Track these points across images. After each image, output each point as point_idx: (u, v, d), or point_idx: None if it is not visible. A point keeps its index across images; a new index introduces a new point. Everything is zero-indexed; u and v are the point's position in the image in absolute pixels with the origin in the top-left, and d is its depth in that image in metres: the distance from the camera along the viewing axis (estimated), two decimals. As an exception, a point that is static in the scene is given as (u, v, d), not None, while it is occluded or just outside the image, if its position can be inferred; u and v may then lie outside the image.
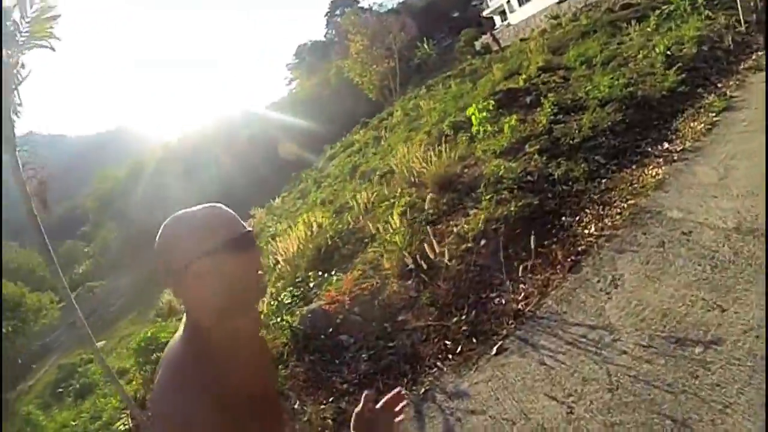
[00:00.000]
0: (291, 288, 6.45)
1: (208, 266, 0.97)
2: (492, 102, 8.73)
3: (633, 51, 9.71)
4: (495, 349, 3.61)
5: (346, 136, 25.48)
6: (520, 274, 4.19)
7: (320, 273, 6.42)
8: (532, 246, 4.23)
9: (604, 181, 5.41)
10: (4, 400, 17.53)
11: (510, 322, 3.81)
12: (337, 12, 56.53)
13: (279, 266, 7.68)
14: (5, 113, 5.40)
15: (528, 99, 9.10)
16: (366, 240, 6.69)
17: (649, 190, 4.80)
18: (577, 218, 4.78)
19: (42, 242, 5.94)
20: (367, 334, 4.60)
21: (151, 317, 18.45)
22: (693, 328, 2.87)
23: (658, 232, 4.01)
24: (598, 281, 3.74)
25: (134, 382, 8.76)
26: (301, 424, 3.83)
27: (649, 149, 5.86)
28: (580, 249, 4.25)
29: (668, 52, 8.35)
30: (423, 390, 3.63)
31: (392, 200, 7.26)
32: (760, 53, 7.67)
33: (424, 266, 4.64)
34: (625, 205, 4.70)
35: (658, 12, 11.37)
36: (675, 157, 5.41)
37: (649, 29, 10.80)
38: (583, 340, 3.23)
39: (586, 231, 4.49)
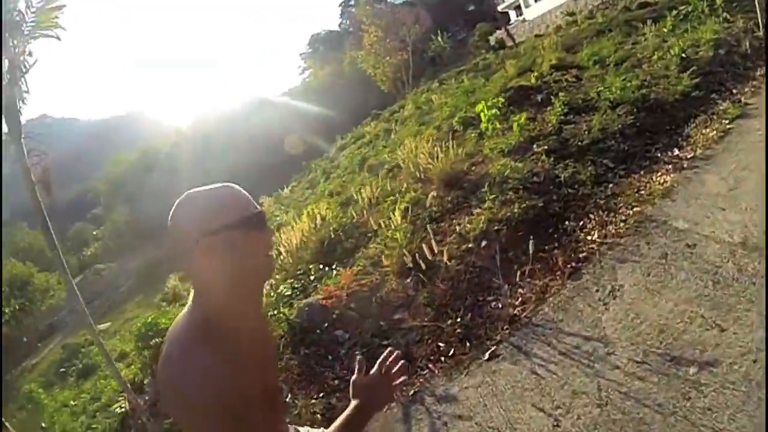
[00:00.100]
0: (292, 280, 6.44)
1: (219, 242, 1.00)
2: (502, 99, 8.62)
3: (648, 52, 9.52)
4: (487, 354, 3.57)
5: (358, 127, 25.38)
6: (518, 279, 4.13)
7: (321, 266, 6.39)
8: (531, 251, 4.14)
9: (610, 185, 5.31)
10: (5, 381, 17.79)
11: (505, 327, 3.76)
12: (352, 2, 56.16)
13: (282, 257, 7.67)
14: (10, 105, 5.44)
15: (539, 97, 8.97)
16: (369, 235, 6.65)
17: (656, 198, 4.70)
18: (581, 223, 4.70)
19: (45, 227, 5.97)
20: (362, 330, 4.59)
21: (157, 301, 18.61)
22: (689, 347, 2.80)
23: (662, 243, 3.93)
24: (597, 290, 3.67)
25: (133, 366, 8.84)
26: (291, 417, 3.83)
27: (659, 155, 5.74)
28: (581, 256, 4.18)
29: (683, 55, 8.18)
30: (413, 391, 3.61)
31: (397, 195, 7.21)
32: (778, 59, 7.49)
33: (424, 265, 4.59)
34: (631, 213, 4.61)
35: (675, 12, 11.12)
36: (685, 165, 5.29)
37: (665, 30, 10.57)
38: (577, 351, 3.17)
39: (589, 237, 4.41)
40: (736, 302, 2.98)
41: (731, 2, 10.35)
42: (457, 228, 5.29)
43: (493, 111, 7.70)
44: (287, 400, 4.07)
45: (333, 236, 7.10)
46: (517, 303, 3.93)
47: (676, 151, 5.72)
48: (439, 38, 38.36)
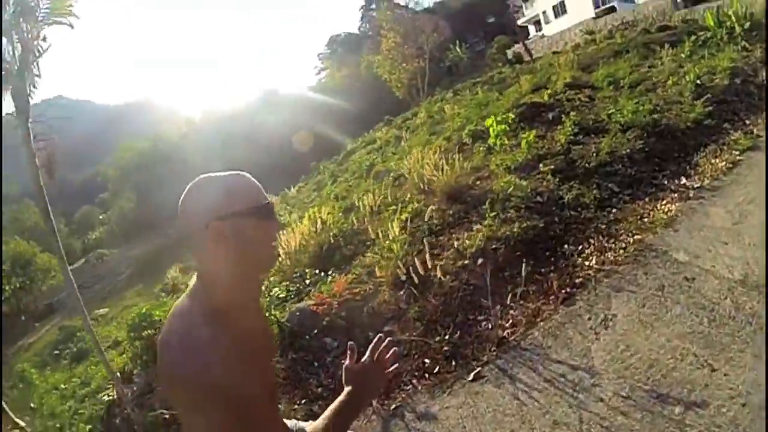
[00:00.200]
0: (287, 283, 6.40)
1: (228, 228, 1.04)
2: (512, 115, 8.56)
3: (663, 76, 9.44)
4: (472, 375, 3.51)
5: (369, 131, 25.37)
6: (511, 300, 4.06)
7: (317, 271, 6.35)
8: (523, 274, 4.08)
9: (614, 210, 5.24)
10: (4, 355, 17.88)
11: (492, 349, 3.69)
12: (372, 6, 56.37)
13: (280, 259, 7.63)
14: (19, 88, 5.49)
15: (550, 115, 8.89)
16: (368, 243, 6.60)
17: (659, 227, 4.62)
18: (580, 248, 4.62)
19: (45, 212, 6.00)
20: (351, 339, 4.52)
21: (156, 291, 18.65)
22: (678, 385, 2.72)
23: (660, 274, 3.84)
24: (590, 318, 3.59)
25: (125, 355, 8.83)
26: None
27: (666, 182, 5.67)
28: (577, 281, 4.10)
29: (698, 82, 8.10)
30: (394, 406, 3.55)
31: (400, 205, 7.16)
32: (795, 93, 7.38)
33: (418, 278, 4.53)
34: (631, 240, 4.53)
35: (693, 38, 11.06)
36: (691, 194, 5.21)
37: (682, 55, 10.49)
38: (562, 379, 3.10)
39: (587, 263, 4.34)
40: (730, 342, 2.90)
41: (751, 31, 10.27)
42: (456, 243, 5.22)
43: (502, 126, 7.63)
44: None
45: (332, 241, 7.05)
46: (507, 325, 3.86)
47: (684, 180, 5.63)
48: (457, 48, 38.38)
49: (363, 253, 6.33)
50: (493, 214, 5.37)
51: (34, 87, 5.90)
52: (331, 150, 28.25)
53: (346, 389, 1.32)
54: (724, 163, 5.76)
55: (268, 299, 5.77)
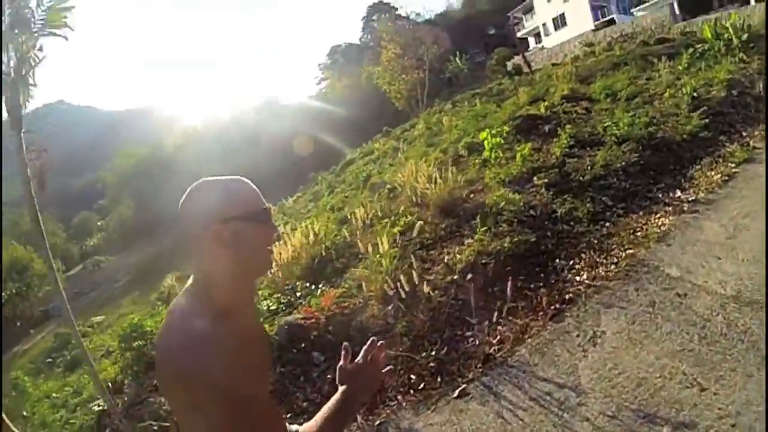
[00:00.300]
0: (279, 295, 6.32)
1: (227, 231, 1.05)
2: (507, 128, 8.53)
3: (660, 88, 9.42)
4: (457, 392, 3.42)
5: (368, 142, 25.36)
6: (499, 316, 3.97)
7: (308, 284, 6.27)
8: (509, 291, 3.98)
9: (607, 224, 5.17)
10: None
11: (478, 365, 3.61)
12: (374, 17, 56.63)
13: (272, 271, 7.54)
14: (13, 98, 5.46)
15: (547, 127, 8.85)
16: (360, 256, 6.53)
17: (651, 242, 4.55)
18: (571, 262, 4.54)
19: (36, 222, 5.95)
20: (337, 354, 4.44)
21: (153, 299, 18.56)
22: (665, 405, 2.63)
23: (651, 290, 3.76)
24: (578, 335, 3.50)
25: (116, 365, 8.74)
26: None
27: (660, 195, 5.61)
28: (567, 297, 4.01)
29: (695, 94, 8.07)
30: (378, 422, 3.48)
31: (393, 218, 7.09)
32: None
33: (406, 294, 4.44)
34: (623, 255, 4.45)
35: (691, 50, 11.06)
36: (685, 208, 5.15)
37: (680, 67, 10.49)
38: (548, 398, 3.01)
39: (578, 278, 4.26)
40: (720, 360, 2.81)
41: (749, 43, 10.27)
42: (446, 257, 5.15)
43: (497, 139, 7.58)
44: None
45: (324, 254, 6.98)
46: (494, 341, 3.76)
47: (678, 193, 5.58)
48: (457, 60, 38.48)
49: (354, 267, 6.26)
50: (485, 228, 5.30)
51: (29, 97, 5.90)
52: (330, 160, 28.25)
53: (341, 389, 1.31)
54: (719, 175, 5.71)
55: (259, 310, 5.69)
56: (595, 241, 4.82)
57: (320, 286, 6.06)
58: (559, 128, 8.35)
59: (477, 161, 8.33)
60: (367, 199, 9.72)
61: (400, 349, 4.09)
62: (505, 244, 4.86)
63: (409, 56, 35.16)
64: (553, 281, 4.32)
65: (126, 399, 6.53)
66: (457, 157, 9.56)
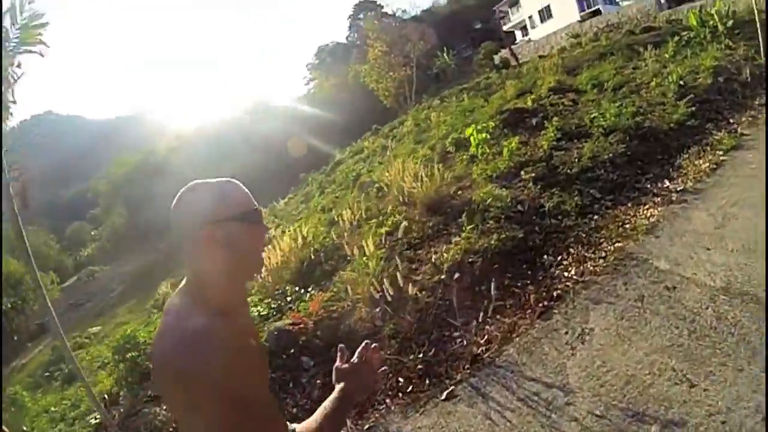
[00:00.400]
0: (269, 300, 6.24)
1: (219, 232, 1.06)
2: (493, 123, 8.47)
3: (647, 78, 9.38)
4: (445, 394, 3.36)
5: (358, 141, 25.24)
6: (488, 315, 3.90)
7: (297, 288, 6.19)
8: (493, 291, 3.90)
9: (595, 217, 5.11)
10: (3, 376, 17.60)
11: (466, 366, 3.54)
12: (360, 15, 56.37)
13: (262, 276, 7.45)
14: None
15: (534, 121, 8.79)
16: (348, 258, 6.45)
17: (640, 234, 4.49)
18: (559, 258, 4.47)
19: (21, 240, 5.87)
20: (326, 359, 4.38)
21: (148, 307, 18.42)
22: (654, 403, 2.56)
23: (640, 284, 3.70)
24: (566, 333, 3.44)
25: (111, 377, 8.65)
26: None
27: (648, 186, 5.56)
28: (554, 294, 3.95)
29: (681, 82, 8.02)
30: (367, 426, 3.41)
31: (381, 218, 7.01)
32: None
33: (393, 295, 4.37)
34: (612, 248, 4.39)
35: (677, 38, 11.02)
36: (673, 198, 5.10)
37: (666, 55, 10.45)
38: (536, 398, 2.94)
39: (566, 274, 4.19)
40: (710, 354, 2.75)
41: (734, 29, 10.24)
42: (434, 257, 5.08)
43: (483, 135, 7.50)
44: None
45: (313, 257, 6.89)
46: (482, 341, 3.69)
47: (667, 183, 5.53)
48: (445, 55, 38.37)
49: (343, 269, 6.18)
50: (472, 225, 5.23)
51: (9, 114, 5.83)
52: (320, 159, 28.07)
53: (338, 387, 1.31)
54: (707, 164, 5.66)
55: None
56: (583, 235, 4.76)
57: (309, 290, 5.98)
58: (546, 121, 8.30)
59: (464, 157, 8.26)
60: (355, 199, 9.63)
61: (388, 352, 4.02)
62: (492, 242, 4.79)
63: (396, 53, 34.93)
64: (541, 278, 4.25)
65: (122, 411, 6.48)
66: (444, 154, 9.49)
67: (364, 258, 5.23)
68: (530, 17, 39.06)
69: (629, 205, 5.22)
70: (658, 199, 5.17)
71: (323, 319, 4.87)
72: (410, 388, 3.58)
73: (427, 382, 3.58)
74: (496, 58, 29.66)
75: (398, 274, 4.29)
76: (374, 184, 10.13)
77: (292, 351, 4.62)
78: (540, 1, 36.80)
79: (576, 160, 6.45)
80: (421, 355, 3.79)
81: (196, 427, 1.01)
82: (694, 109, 7.17)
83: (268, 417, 1.08)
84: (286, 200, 21.12)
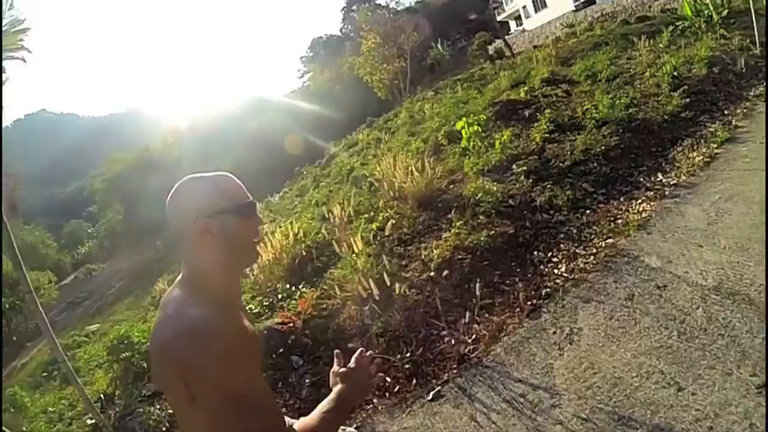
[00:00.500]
0: (261, 298, 6.18)
1: (214, 225, 1.10)
2: (485, 116, 8.36)
3: (641, 68, 9.27)
4: (431, 394, 3.32)
5: (352, 134, 25.07)
6: (475, 314, 3.84)
7: (288, 285, 6.13)
8: (477, 292, 3.83)
9: (587, 212, 5.05)
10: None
11: (453, 366, 3.49)
12: (354, 7, 55.86)
13: (254, 273, 7.38)
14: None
15: (527, 112, 8.71)
16: (339, 255, 6.38)
17: (631, 230, 4.42)
18: (550, 254, 4.41)
19: (10, 246, 5.81)
20: (315, 358, 4.34)
21: (146, 304, 18.37)
22: (641, 406, 2.51)
23: (630, 282, 3.63)
24: (555, 332, 3.38)
25: (107, 376, 8.62)
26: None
27: (641, 179, 5.48)
28: (544, 292, 3.88)
29: (675, 73, 7.92)
30: (354, 426, 3.34)
31: (372, 214, 6.94)
32: (772, 80, 7.20)
33: (382, 293, 4.30)
34: (603, 245, 4.32)
35: (672, 28, 10.89)
36: (666, 192, 5.02)
37: (661, 45, 10.32)
38: (521, 400, 2.89)
39: (556, 271, 4.13)
40: (699, 357, 2.69)
41: (729, 18, 10.12)
42: (423, 253, 5.01)
43: (475, 128, 7.40)
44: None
45: (305, 254, 6.81)
46: (470, 341, 3.63)
47: (660, 176, 5.45)
48: (439, 46, 38.11)
49: (334, 266, 6.11)
50: (461, 221, 5.16)
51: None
52: (316, 153, 27.93)
53: (336, 389, 1.32)
54: (701, 157, 5.58)
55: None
56: (575, 231, 4.70)
57: (300, 287, 5.92)
58: (539, 113, 8.21)
59: (457, 150, 8.17)
60: (348, 194, 9.56)
61: (377, 350, 3.96)
62: (482, 238, 4.73)
63: (390, 45, 34.59)
64: (530, 275, 4.19)
65: (117, 411, 6.47)
66: (437, 146, 9.40)
67: (353, 255, 5.17)
68: (524, 7, 38.76)
69: (621, 199, 5.15)
70: (651, 193, 5.09)
71: (312, 318, 4.81)
72: (397, 388, 3.54)
73: (415, 381, 3.54)
74: (491, 49, 29.40)
75: (385, 273, 4.22)
76: (367, 178, 10.05)
77: (281, 350, 4.57)
78: (534, -10, 36.52)
79: (569, 152, 6.38)
80: (408, 354, 3.74)
81: (195, 418, 1.02)
82: (688, 100, 7.08)
83: (265, 407, 1.10)
84: (281, 194, 20.98)
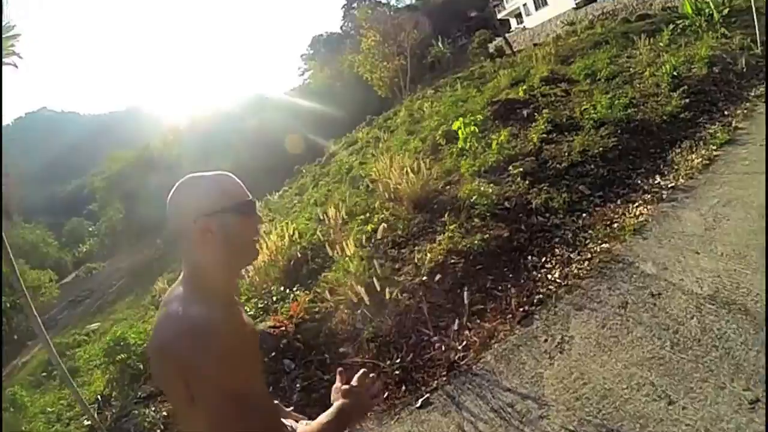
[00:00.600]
0: (256, 300, 6.14)
1: (214, 223, 1.10)
2: (482, 116, 8.30)
3: (640, 67, 9.18)
4: (420, 401, 3.28)
5: (352, 132, 24.98)
6: (464, 321, 3.77)
7: (282, 288, 6.08)
8: (465, 300, 3.78)
9: (583, 215, 4.97)
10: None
11: (443, 373, 3.44)
12: (354, 5, 55.64)
13: (249, 275, 7.33)
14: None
15: (525, 112, 8.64)
16: (333, 257, 6.33)
17: (627, 234, 4.34)
18: (544, 259, 4.34)
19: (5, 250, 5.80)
20: (306, 362, 4.29)
21: (146, 302, 18.35)
22: (630, 420, 2.44)
23: (624, 290, 3.56)
24: (546, 341, 3.31)
25: (104, 378, 8.61)
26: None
27: (639, 182, 5.40)
28: (536, 298, 3.82)
29: (675, 73, 7.82)
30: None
31: (367, 215, 6.88)
32: (773, 81, 7.10)
33: (374, 298, 4.25)
34: (598, 250, 4.25)
35: (672, 26, 10.78)
36: (664, 195, 4.94)
37: (661, 44, 10.23)
38: (509, 410, 2.84)
39: (549, 276, 4.06)
40: (692, 369, 2.62)
41: (730, 17, 10.01)
42: (417, 256, 4.95)
43: (471, 128, 7.33)
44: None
45: (300, 255, 6.76)
46: (460, 347, 3.57)
47: (658, 179, 5.37)
48: (439, 44, 37.95)
49: (328, 268, 6.06)
50: (455, 225, 5.10)
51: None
52: (316, 152, 27.82)
53: (337, 403, 1.30)
54: (700, 159, 5.49)
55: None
56: (570, 235, 4.63)
57: (294, 289, 5.86)
58: (537, 113, 8.14)
59: (454, 150, 8.11)
60: (344, 194, 9.50)
61: (367, 356, 3.92)
62: (476, 242, 4.67)
63: (390, 43, 34.37)
64: (523, 280, 4.12)
65: (113, 412, 6.47)
66: (435, 146, 9.33)
67: (346, 258, 5.11)
68: (524, 5, 38.47)
69: (618, 202, 5.08)
70: (648, 196, 5.01)
71: (304, 322, 4.76)
72: (386, 395, 3.49)
73: (404, 388, 3.50)
74: (491, 47, 29.25)
75: (375, 279, 4.16)
76: (364, 179, 9.99)
77: (273, 354, 4.53)
78: (534, -13, 36.26)
79: (566, 154, 6.31)
80: (399, 360, 3.70)
81: (195, 416, 1.03)
82: (687, 100, 6.99)
83: (265, 408, 1.13)
84: (281, 193, 20.91)
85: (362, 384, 1.37)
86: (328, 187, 14.20)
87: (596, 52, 11.81)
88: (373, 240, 5.74)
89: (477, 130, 7.38)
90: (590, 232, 4.59)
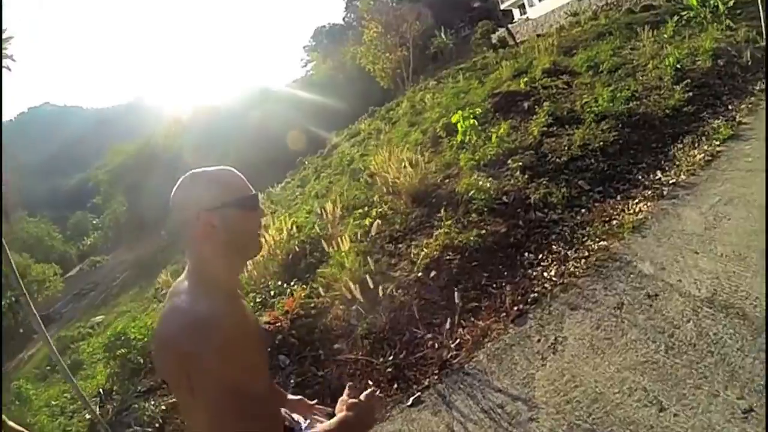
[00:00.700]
0: (254, 294, 6.12)
1: (217, 218, 1.12)
2: (482, 108, 8.20)
3: (643, 59, 9.04)
4: (411, 400, 3.26)
5: (355, 123, 24.84)
6: (457, 320, 3.73)
7: (280, 282, 6.05)
8: (457, 300, 3.74)
9: (582, 211, 4.90)
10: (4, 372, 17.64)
11: (435, 371, 3.41)
12: (357, -6, 55.24)
13: (248, 269, 7.32)
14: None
15: (526, 104, 8.54)
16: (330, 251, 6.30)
17: (626, 232, 4.27)
18: (540, 256, 4.29)
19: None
20: (301, 358, 4.28)
21: (150, 295, 18.38)
22: (620, 425, 2.40)
23: (621, 290, 3.50)
24: (539, 341, 3.27)
25: (106, 371, 8.65)
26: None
27: (639, 177, 5.32)
28: (531, 297, 3.77)
29: (679, 65, 7.70)
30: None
31: (366, 209, 6.83)
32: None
33: (369, 294, 4.21)
34: (595, 247, 4.18)
35: (676, 18, 10.61)
36: (664, 192, 4.85)
37: (665, 36, 10.07)
38: (499, 411, 2.81)
39: (545, 274, 4.01)
40: (686, 375, 2.56)
41: (735, 9, 9.84)
42: (413, 252, 4.90)
43: (470, 121, 7.24)
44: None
45: (299, 249, 6.72)
46: (453, 345, 3.53)
47: (658, 174, 5.29)
48: (442, 34, 37.63)
49: (326, 263, 6.03)
50: (451, 221, 5.04)
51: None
52: (318, 143, 27.67)
53: (341, 414, 1.31)
54: (702, 155, 5.39)
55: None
56: (567, 231, 4.57)
57: (292, 284, 5.84)
58: (537, 105, 8.05)
59: (454, 143, 8.03)
60: (344, 186, 9.45)
61: (360, 353, 3.89)
62: (472, 237, 4.61)
63: (392, 34, 34.08)
64: (519, 278, 4.07)
65: (115, 405, 6.51)
66: (436, 138, 9.26)
67: (342, 254, 5.07)
68: (527, -5, 38.04)
69: (618, 198, 5.00)
70: (649, 192, 4.93)
71: (300, 317, 4.74)
72: (378, 392, 3.46)
73: (395, 386, 3.48)
74: (494, 38, 28.91)
75: (368, 275, 4.12)
76: (364, 171, 9.93)
77: (269, 349, 4.51)
78: (537, -22, 35.74)
79: (566, 147, 6.24)
80: (391, 358, 3.67)
81: (198, 409, 1.03)
82: (691, 94, 6.87)
83: (264, 405, 1.12)
84: (283, 185, 20.84)
85: (369, 401, 1.37)
86: (329, 179, 14.14)
87: (599, 43, 11.66)
88: (370, 234, 5.70)
89: (476, 124, 7.29)
90: (588, 228, 4.53)
